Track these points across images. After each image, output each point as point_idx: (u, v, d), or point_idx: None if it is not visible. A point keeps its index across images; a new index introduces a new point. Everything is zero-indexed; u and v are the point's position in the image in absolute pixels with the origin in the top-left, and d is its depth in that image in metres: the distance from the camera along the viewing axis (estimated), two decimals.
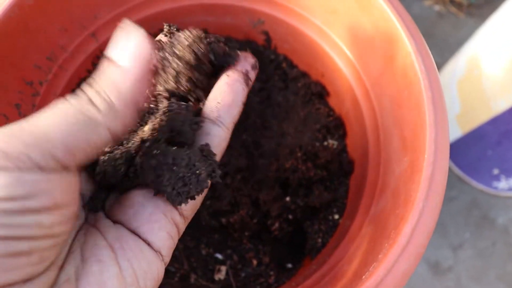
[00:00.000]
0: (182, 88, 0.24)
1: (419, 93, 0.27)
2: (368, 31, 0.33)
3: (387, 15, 0.30)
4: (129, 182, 0.22)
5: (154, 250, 0.20)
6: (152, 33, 0.40)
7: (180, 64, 0.23)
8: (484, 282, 0.68)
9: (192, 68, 0.23)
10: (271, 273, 0.40)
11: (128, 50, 0.18)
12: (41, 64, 0.34)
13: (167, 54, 0.23)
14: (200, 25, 0.42)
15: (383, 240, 0.26)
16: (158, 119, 0.22)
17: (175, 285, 0.38)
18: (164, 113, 0.22)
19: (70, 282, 0.17)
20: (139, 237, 0.20)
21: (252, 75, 0.26)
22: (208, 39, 0.24)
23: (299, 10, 0.38)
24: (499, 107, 0.55)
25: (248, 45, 0.43)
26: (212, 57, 0.24)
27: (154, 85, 0.23)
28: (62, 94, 0.37)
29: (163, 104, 0.23)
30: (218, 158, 0.23)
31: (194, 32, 0.24)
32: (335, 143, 0.42)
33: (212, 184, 0.23)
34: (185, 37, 0.23)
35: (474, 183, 0.73)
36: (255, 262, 0.41)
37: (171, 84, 0.23)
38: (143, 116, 0.23)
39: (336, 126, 0.42)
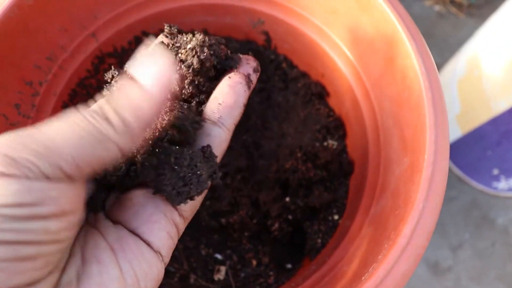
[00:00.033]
0: (185, 92, 0.24)
1: (419, 94, 0.27)
2: (368, 32, 0.33)
3: (387, 16, 0.30)
4: (130, 181, 0.22)
5: (154, 250, 0.20)
6: (152, 33, 0.40)
7: (183, 68, 0.23)
8: (483, 282, 0.68)
9: (195, 72, 0.23)
10: (271, 273, 0.40)
11: (152, 71, 0.18)
12: (41, 64, 0.34)
13: None
14: (200, 25, 0.42)
15: (383, 240, 0.26)
16: (160, 118, 0.22)
17: (174, 285, 0.38)
18: (166, 112, 0.22)
19: (72, 285, 0.17)
20: (139, 237, 0.20)
21: (254, 77, 0.26)
22: (209, 42, 0.24)
23: (299, 10, 0.38)
24: (499, 108, 0.55)
25: (248, 45, 0.43)
26: (214, 61, 0.24)
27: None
28: (62, 94, 0.37)
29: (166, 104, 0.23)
30: (218, 159, 0.23)
31: (197, 36, 0.24)
32: (335, 143, 0.42)
33: (212, 185, 0.23)
34: (188, 42, 0.23)
35: (474, 183, 0.73)
36: (254, 262, 0.41)
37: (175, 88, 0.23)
38: None
39: (336, 126, 0.42)
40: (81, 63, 0.37)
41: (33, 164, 0.15)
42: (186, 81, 0.24)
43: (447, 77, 0.69)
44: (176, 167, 0.20)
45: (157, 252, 0.20)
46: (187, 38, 0.24)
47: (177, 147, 0.21)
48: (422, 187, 0.24)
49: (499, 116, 0.56)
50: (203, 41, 0.23)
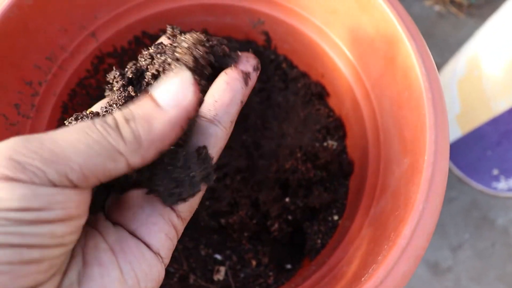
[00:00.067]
0: None
1: (419, 94, 0.27)
2: (368, 32, 0.33)
3: (387, 16, 0.30)
4: (129, 181, 0.21)
5: (154, 252, 0.20)
6: (152, 33, 0.40)
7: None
8: (483, 282, 0.68)
9: (192, 71, 0.23)
10: (270, 273, 0.40)
11: (171, 92, 0.18)
12: (41, 64, 0.34)
13: (168, 58, 0.22)
14: (200, 25, 0.42)
15: (383, 241, 0.26)
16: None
17: (174, 285, 0.38)
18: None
19: (73, 287, 0.17)
20: (139, 238, 0.20)
21: (254, 75, 0.25)
22: (210, 42, 0.24)
23: (299, 10, 0.38)
24: (499, 108, 0.55)
25: (248, 45, 0.43)
26: (212, 59, 0.24)
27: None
28: (62, 94, 0.37)
29: None
30: (215, 158, 0.23)
31: (194, 35, 0.23)
32: (335, 144, 0.42)
33: (211, 185, 0.23)
34: (185, 40, 0.23)
35: (473, 183, 0.73)
36: (254, 262, 0.41)
37: None
38: None
39: (336, 127, 0.42)
40: (81, 63, 0.37)
41: (39, 170, 0.15)
42: None
43: (447, 77, 0.69)
44: (169, 167, 0.20)
45: (156, 253, 0.20)
46: (185, 38, 0.24)
47: (172, 146, 0.21)
48: (422, 187, 0.24)
49: (499, 116, 0.56)
50: (198, 39, 0.23)
